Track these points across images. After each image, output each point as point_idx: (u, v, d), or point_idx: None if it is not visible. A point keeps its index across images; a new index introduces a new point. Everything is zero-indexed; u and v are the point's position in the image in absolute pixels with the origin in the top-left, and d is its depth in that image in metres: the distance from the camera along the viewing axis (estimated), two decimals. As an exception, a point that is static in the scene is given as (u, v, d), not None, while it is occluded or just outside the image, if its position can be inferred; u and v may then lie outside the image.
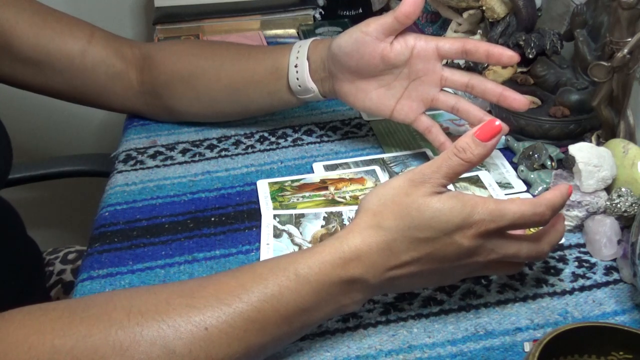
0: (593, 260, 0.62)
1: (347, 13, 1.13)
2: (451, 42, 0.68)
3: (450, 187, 0.70)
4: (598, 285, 0.59)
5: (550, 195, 0.51)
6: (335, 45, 0.70)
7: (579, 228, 0.65)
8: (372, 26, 0.67)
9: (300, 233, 0.65)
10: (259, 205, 0.70)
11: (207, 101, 0.80)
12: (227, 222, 0.69)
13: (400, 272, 0.50)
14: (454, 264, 0.51)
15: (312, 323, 0.51)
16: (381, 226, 0.49)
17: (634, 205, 0.61)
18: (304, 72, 0.73)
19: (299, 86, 0.74)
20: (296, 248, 0.63)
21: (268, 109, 0.82)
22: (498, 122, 0.50)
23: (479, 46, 0.67)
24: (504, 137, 0.79)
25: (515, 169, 0.73)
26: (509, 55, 0.66)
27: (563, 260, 0.62)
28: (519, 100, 0.67)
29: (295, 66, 0.73)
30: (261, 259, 0.63)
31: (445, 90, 0.71)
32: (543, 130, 0.77)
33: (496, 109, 0.81)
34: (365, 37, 0.67)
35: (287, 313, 0.48)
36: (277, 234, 0.65)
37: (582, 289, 0.59)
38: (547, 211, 0.50)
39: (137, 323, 0.46)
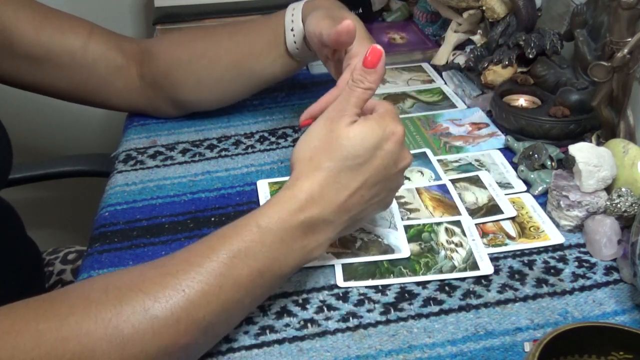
0: (593, 260, 0.62)
1: (347, 13, 1.13)
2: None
3: (450, 186, 0.70)
4: (598, 285, 0.59)
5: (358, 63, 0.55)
6: (307, 21, 0.70)
7: (579, 228, 0.65)
8: (320, 30, 0.65)
9: (300, 233, 0.65)
10: (259, 205, 0.70)
11: (209, 83, 0.80)
12: (227, 222, 0.68)
13: (354, 200, 0.54)
14: (392, 172, 0.56)
15: (284, 273, 0.53)
16: (321, 166, 0.53)
17: (634, 205, 0.61)
18: (300, 34, 0.73)
19: (297, 49, 0.75)
20: None
21: (271, 79, 0.81)
22: (378, 46, 0.55)
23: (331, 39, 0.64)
24: (504, 137, 0.79)
25: (515, 169, 0.73)
26: (346, 26, 0.60)
27: (563, 260, 0.62)
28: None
29: (292, 29, 0.74)
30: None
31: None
32: (543, 130, 0.77)
33: (496, 109, 0.81)
34: (313, 37, 0.68)
35: (257, 264, 0.51)
36: (277, 234, 0.65)
37: (582, 289, 0.59)
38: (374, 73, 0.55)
39: (115, 297, 0.47)
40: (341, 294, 0.59)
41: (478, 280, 0.60)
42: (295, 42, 0.74)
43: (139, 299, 0.47)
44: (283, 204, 0.52)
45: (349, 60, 0.65)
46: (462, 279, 0.60)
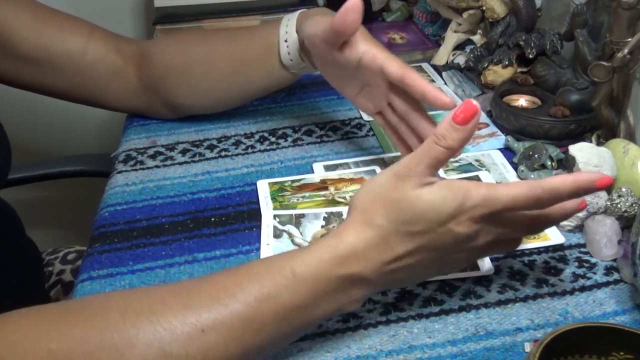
0: (593, 260, 0.62)
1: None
2: (395, 69, 0.63)
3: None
4: (598, 286, 0.59)
5: (554, 179, 0.48)
6: (304, 29, 0.70)
7: (579, 228, 0.65)
8: (320, 28, 0.66)
9: (301, 233, 0.65)
10: (259, 205, 0.70)
11: (203, 90, 0.80)
12: (227, 222, 0.69)
13: (398, 265, 0.49)
14: (454, 251, 0.50)
15: (312, 323, 0.51)
16: (373, 223, 0.49)
17: (634, 205, 0.61)
18: (294, 45, 0.73)
19: (291, 60, 0.74)
20: (296, 248, 0.63)
21: (264, 90, 0.81)
22: (475, 102, 0.49)
23: (416, 83, 0.62)
24: (504, 137, 0.79)
25: (515, 169, 0.73)
26: (444, 102, 0.61)
27: (563, 260, 0.62)
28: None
29: (285, 41, 0.73)
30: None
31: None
32: (543, 130, 0.77)
33: (496, 109, 0.81)
34: (315, 38, 0.67)
35: (284, 312, 0.48)
36: (277, 234, 0.65)
37: (583, 289, 0.59)
38: (544, 194, 0.48)
39: (132, 325, 0.45)
40: (341, 294, 0.59)
41: (478, 280, 0.60)
42: (289, 54, 0.74)
43: (157, 333, 0.45)
44: (324, 253, 0.49)
45: (359, 54, 0.64)
46: (462, 279, 0.60)
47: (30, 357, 0.44)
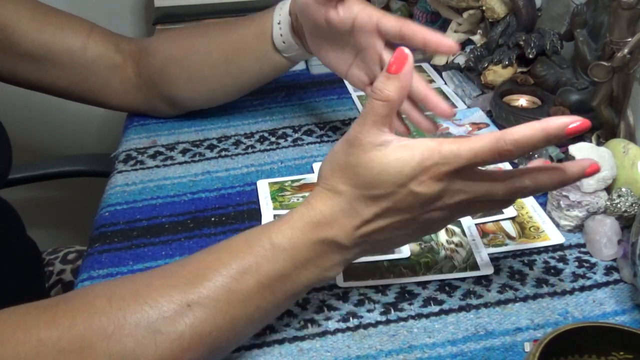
0: (593, 260, 0.62)
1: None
2: (392, 23, 0.64)
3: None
4: (598, 285, 0.59)
5: (519, 127, 0.45)
6: (293, 3, 0.71)
7: (579, 228, 0.65)
8: None
9: (301, 233, 0.65)
10: (259, 205, 0.70)
11: (200, 79, 0.80)
12: (227, 222, 0.69)
13: (369, 228, 0.50)
14: (423, 212, 0.49)
15: (297, 291, 0.51)
16: (336, 189, 0.50)
17: (634, 205, 0.61)
18: (287, 27, 0.73)
19: (283, 42, 0.74)
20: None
21: (259, 78, 0.80)
22: (406, 50, 0.49)
23: (416, 31, 0.62)
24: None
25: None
26: (448, 45, 0.61)
27: (563, 260, 0.62)
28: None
29: (279, 23, 0.74)
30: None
31: None
32: (543, 130, 0.77)
33: (496, 109, 0.81)
34: (308, 2, 0.67)
35: (268, 281, 0.49)
36: (277, 234, 0.65)
37: (583, 289, 0.59)
38: (508, 146, 0.45)
39: (119, 308, 0.46)
40: (341, 294, 0.59)
41: (478, 280, 0.60)
42: (281, 35, 0.74)
43: (143, 312, 0.46)
44: (297, 221, 0.50)
45: (353, 13, 0.64)
46: (462, 279, 0.60)
47: (22, 348, 0.44)
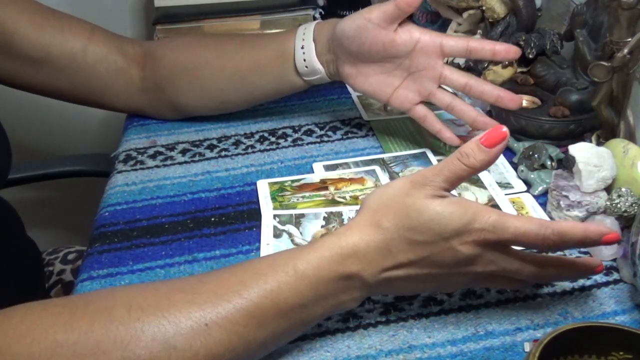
0: (593, 260, 0.62)
1: (347, 13, 1.13)
2: (455, 41, 0.69)
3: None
4: (598, 285, 0.59)
5: (565, 224, 0.49)
6: (339, 28, 0.71)
7: (579, 228, 0.65)
8: (375, 13, 0.68)
9: (300, 233, 0.65)
10: (259, 205, 0.70)
11: (212, 91, 0.80)
12: (227, 222, 0.69)
13: (396, 273, 0.50)
14: (452, 271, 0.50)
15: (312, 319, 0.51)
16: (380, 225, 0.49)
17: (634, 205, 0.61)
18: (311, 53, 0.74)
19: (306, 67, 0.75)
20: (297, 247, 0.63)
21: (274, 95, 0.81)
22: (504, 129, 0.50)
23: (484, 44, 0.69)
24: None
25: (515, 169, 0.73)
26: (515, 50, 0.69)
27: (563, 260, 0.62)
28: (514, 100, 0.70)
29: (302, 47, 0.74)
30: (261, 259, 0.63)
31: (443, 88, 0.72)
32: (543, 130, 0.77)
33: (496, 109, 0.81)
34: (368, 23, 0.68)
35: (286, 308, 0.49)
36: (277, 234, 0.65)
37: (582, 289, 0.59)
38: (552, 236, 0.48)
39: (137, 319, 0.46)
40: (341, 294, 0.59)
41: (478, 280, 0.60)
42: (304, 60, 0.74)
43: (161, 326, 0.46)
44: (325, 250, 0.49)
45: (415, 37, 0.69)
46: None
47: (37, 347, 0.44)
